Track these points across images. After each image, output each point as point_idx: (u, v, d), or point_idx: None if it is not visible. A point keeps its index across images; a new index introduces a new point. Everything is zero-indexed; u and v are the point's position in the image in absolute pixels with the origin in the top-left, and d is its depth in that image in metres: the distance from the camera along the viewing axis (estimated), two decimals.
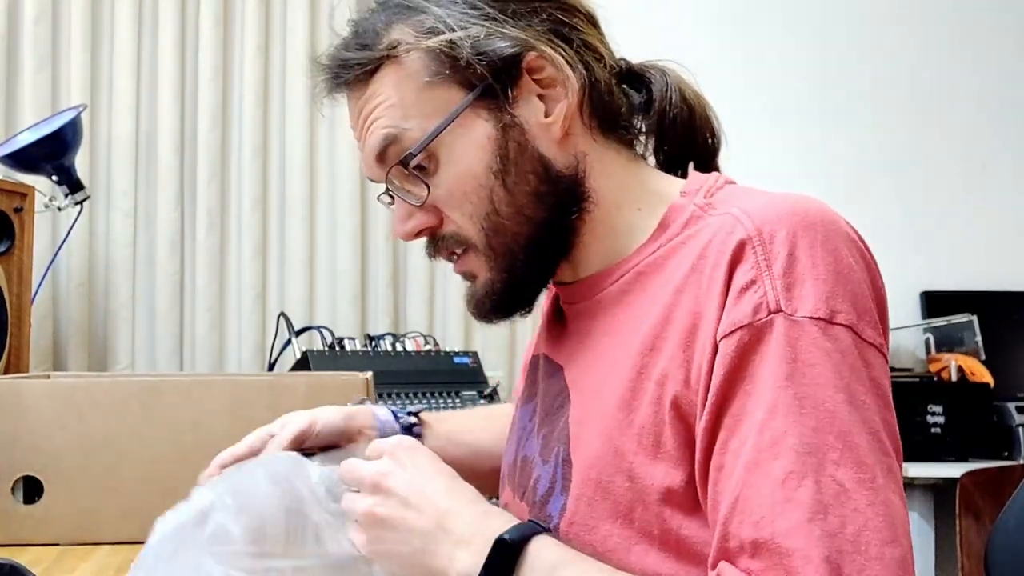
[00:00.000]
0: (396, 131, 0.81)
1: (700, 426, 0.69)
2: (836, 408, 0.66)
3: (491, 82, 0.79)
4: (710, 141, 0.91)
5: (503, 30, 0.79)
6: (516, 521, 0.72)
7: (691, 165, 0.90)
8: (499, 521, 0.72)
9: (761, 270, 0.69)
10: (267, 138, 2.31)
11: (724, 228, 0.73)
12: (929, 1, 2.78)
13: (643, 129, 0.89)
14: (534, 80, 0.81)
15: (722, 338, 0.69)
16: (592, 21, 0.86)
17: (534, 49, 0.80)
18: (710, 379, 0.69)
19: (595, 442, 0.76)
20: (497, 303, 0.85)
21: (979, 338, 2.47)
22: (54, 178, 1.87)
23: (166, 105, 2.22)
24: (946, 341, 2.54)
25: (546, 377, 0.89)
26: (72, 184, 1.89)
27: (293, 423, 0.95)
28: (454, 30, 0.79)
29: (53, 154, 1.84)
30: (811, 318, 0.68)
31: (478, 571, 0.69)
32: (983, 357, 2.45)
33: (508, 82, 0.80)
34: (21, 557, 1.01)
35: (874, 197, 2.67)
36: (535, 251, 0.82)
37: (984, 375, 2.40)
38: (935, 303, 2.64)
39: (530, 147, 0.80)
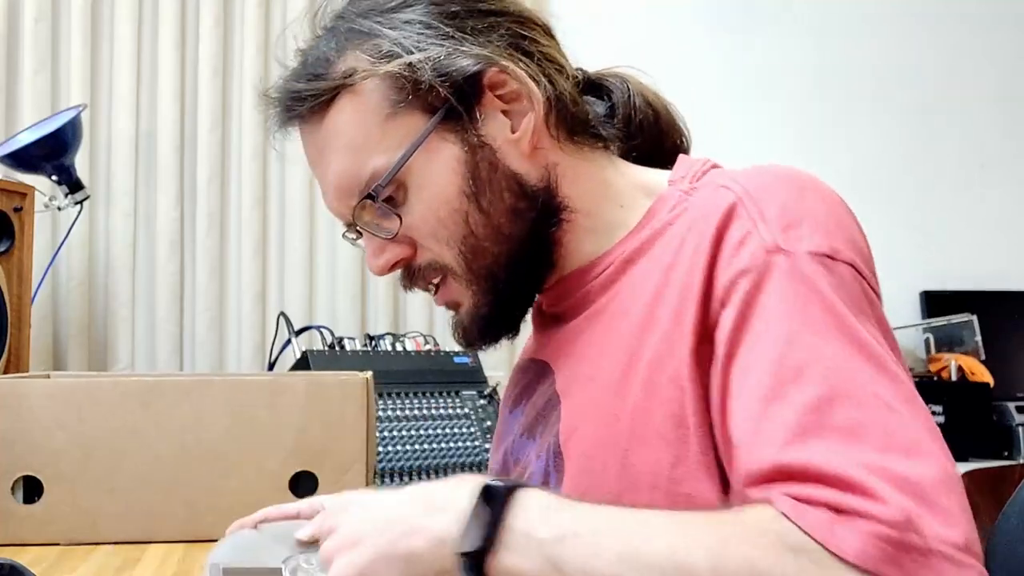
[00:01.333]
0: (360, 165, 0.79)
1: (713, 384, 0.68)
2: (855, 330, 0.64)
3: (454, 103, 0.77)
4: (679, 142, 0.91)
5: (463, 48, 0.78)
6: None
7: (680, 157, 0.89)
8: (471, 482, 0.65)
9: (755, 222, 0.69)
10: (267, 138, 2.31)
11: (711, 198, 0.73)
12: (929, 1, 2.78)
13: (610, 136, 0.88)
14: (497, 96, 0.79)
15: (726, 288, 0.68)
16: (549, 33, 0.85)
17: (496, 65, 0.78)
18: (698, 336, 0.68)
19: (588, 431, 0.76)
20: (484, 328, 0.83)
21: (979, 338, 2.47)
22: (54, 178, 1.87)
23: (166, 105, 2.22)
24: (946, 341, 2.54)
25: (536, 379, 0.89)
26: (72, 184, 1.89)
27: None
28: (412, 52, 0.77)
29: (53, 154, 1.84)
30: (813, 253, 0.67)
31: (459, 526, 0.63)
32: (983, 357, 2.44)
33: (471, 101, 0.78)
34: (21, 557, 1.01)
35: (874, 197, 2.66)
36: (517, 269, 0.81)
37: (984, 375, 2.39)
38: (935, 303, 2.64)
39: (501, 164, 0.79)
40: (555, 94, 0.81)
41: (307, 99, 0.80)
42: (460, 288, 0.82)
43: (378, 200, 0.79)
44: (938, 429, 0.62)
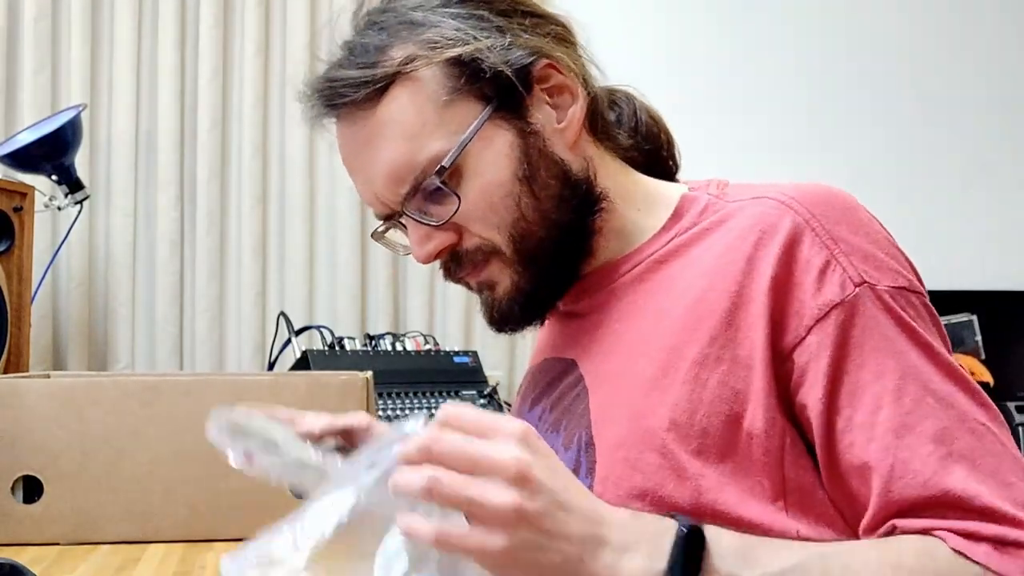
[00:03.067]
0: (416, 151, 0.79)
1: (813, 413, 0.72)
2: (944, 359, 0.72)
3: (514, 89, 0.79)
4: (672, 163, 0.95)
5: (520, 40, 0.80)
6: (668, 519, 0.64)
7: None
8: (654, 521, 0.64)
9: (832, 250, 0.73)
10: (267, 138, 2.31)
11: (765, 211, 0.76)
12: (929, 1, 2.77)
13: (622, 145, 0.91)
14: (544, 88, 0.82)
15: (817, 321, 0.72)
16: (575, 41, 0.88)
17: (549, 57, 0.81)
18: (779, 346, 0.73)
19: (622, 423, 0.77)
20: (524, 308, 0.84)
21: (979, 338, 2.47)
22: (54, 178, 1.87)
23: (166, 105, 2.22)
24: None
25: (557, 376, 0.90)
26: (72, 184, 1.89)
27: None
28: (469, 42, 0.79)
29: (53, 154, 1.84)
30: (893, 287, 0.73)
31: (657, 570, 0.61)
32: (983, 357, 2.44)
33: (524, 90, 0.80)
34: (21, 557, 1.01)
35: (874, 197, 2.64)
36: (560, 254, 0.83)
37: (984, 375, 2.40)
38: (935, 303, 2.62)
39: (549, 152, 0.81)
40: (592, 93, 0.85)
41: (360, 86, 0.80)
42: (501, 269, 0.83)
43: (439, 183, 0.79)
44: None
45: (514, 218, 0.80)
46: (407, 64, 0.79)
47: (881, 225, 0.78)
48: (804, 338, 0.72)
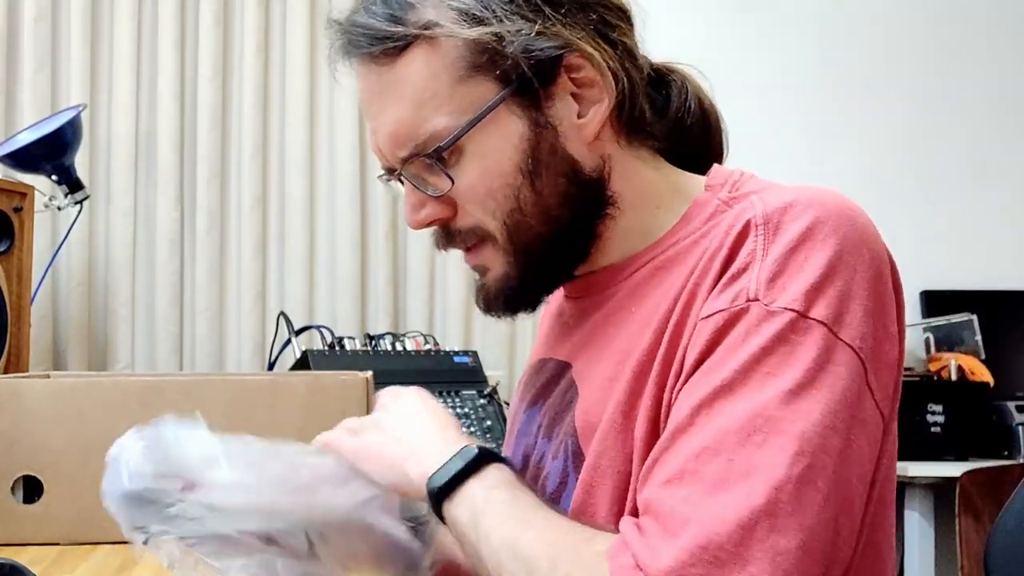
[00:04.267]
0: (421, 120, 0.77)
1: (666, 402, 0.71)
2: (775, 396, 0.65)
3: (532, 80, 0.76)
4: (718, 154, 0.90)
5: (551, 29, 0.76)
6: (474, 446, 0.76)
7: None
8: (465, 441, 0.77)
9: (756, 257, 0.70)
10: (267, 138, 2.31)
11: (739, 214, 0.74)
12: (930, 1, 2.78)
13: (658, 134, 0.87)
14: (571, 78, 0.78)
15: (702, 319, 0.70)
16: (630, 19, 0.84)
17: (578, 50, 0.77)
18: (684, 358, 0.71)
19: (602, 430, 0.76)
20: (509, 298, 0.83)
21: (979, 337, 2.47)
22: (54, 178, 1.87)
23: (166, 105, 2.22)
24: (946, 340, 2.54)
25: (553, 377, 0.89)
26: (72, 184, 1.89)
27: None
28: (501, 20, 0.75)
29: (53, 154, 1.84)
30: (785, 309, 0.67)
31: (434, 469, 0.74)
32: (983, 356, 2.44)
33: (547, 81, 0.77)
34: (21, 557, 1.01)
35: (874, 196, 2.65)
36: (555, 251, 0.81)
37: (984, 374, 2.39)
38: (935, 302, 2.64)
39: (561, 148, 0.78)
40: (627, 89, 0.80)
41: (382, 40, 0.77)
42: (496, 255, 0.82)
43: (435, 160, 0.78)
44: (817, 507, 0.63)
45: (510, 208, 0.78)
46: (429, 29, 0.76)
47: (860, 250, 0.71)
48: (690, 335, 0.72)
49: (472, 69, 0.76)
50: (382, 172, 0.85)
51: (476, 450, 0.74)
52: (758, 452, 0.63)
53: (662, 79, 0.88)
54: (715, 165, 0.85)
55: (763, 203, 0.72)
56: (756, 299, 0.68)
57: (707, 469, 0.64)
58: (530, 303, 0.86)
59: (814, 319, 0.67)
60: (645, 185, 0.83)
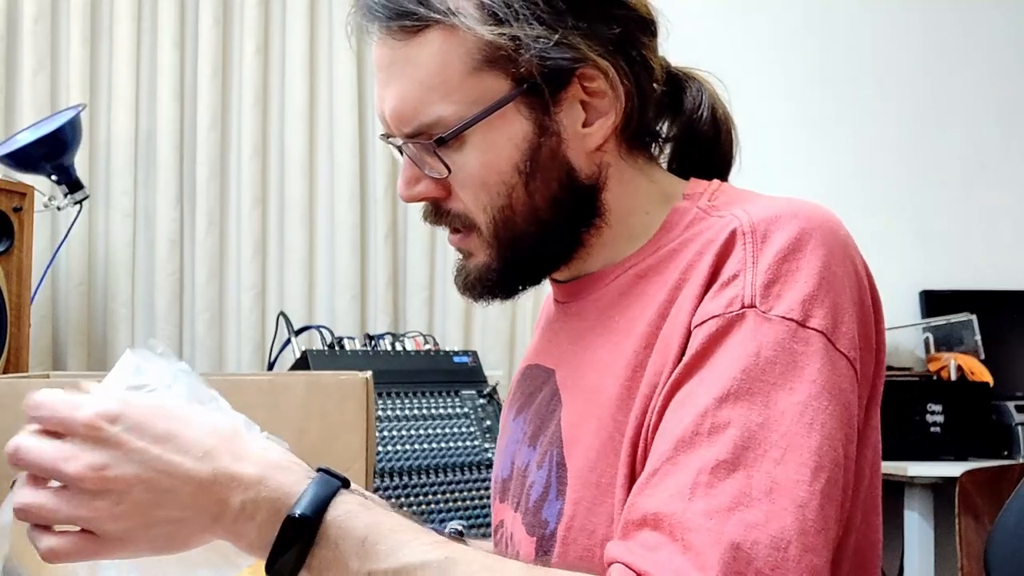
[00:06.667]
0: (426, 104, 0.77)
1: (653, 408, 0.70)
2: (788, 409, 0.65)
3: (542, 87, 0.76)
4: (723, 167, 0.90)
5: (570, 39, 0.76)
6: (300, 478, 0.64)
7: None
8: (278, 509, 0.63)
9: (746, 265, 0.70)
10: (267, 138, 2.31)
11: (723, 226, 0.74)
12: (930, 1, 2.78)
13: (664, 135, 0.87)
14: (582, 87, 0.78)
15: (695, 326, 0.70)
16: (656, 33, 0.83)
17: (596, 66, 0.77)
18: (674, 367, 0.70)
19: (594, 445, 0.76)
20: (487, 287, 0.84)
21: (978, 337, 2.47)
22: (53, 178, 1.87)
23: (166, 105, 2.22)
24: (946, 340, 2.54)
25: (538, 384, 0.89)
26: (71, 184, 1.89)
27: None
28: (521, 24, 0.75)
29: (52, 154, 1.84)
30: (783, 318, 0.67)
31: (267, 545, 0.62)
32: (982, 356, 2.45)
33: (558, 88, 0.77)
34: None
35: (874, 196, 2.67)
36: (538, 251, 0.82)
37: (983, 374, 2.40)
38: (935, 302, 2.64)
39: (561, 154, 0.79)
40: (638, 105, 0.80)
41: (401, 16, 0.77)
42: (480, 245, 0.82)
43: (436, 145, 0.78)
44: (830, 521, 0.63)
45: (501, 204, 0.79)
46: (450, 17, 0.76)
47: (845, 262, 0.72)
48: (684, 341, 0.71)
49: (486, 63, 0.76)
50: (383, 133, 0.85)
51: (300, 512, 0.62)
52: (778, 468, 0.63)
53: (677, 83, 0.88)
54: (692, 179, 0.85)
55: (747, 214, 0.73)
56: (752, 305, 0.68)
57: (725, 484, 0.63)
58: (507, 293, 0.86)
59: (813, 329, 0.67)
60: (637, 195, 0.83)
